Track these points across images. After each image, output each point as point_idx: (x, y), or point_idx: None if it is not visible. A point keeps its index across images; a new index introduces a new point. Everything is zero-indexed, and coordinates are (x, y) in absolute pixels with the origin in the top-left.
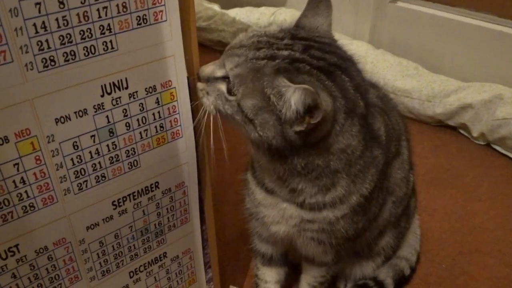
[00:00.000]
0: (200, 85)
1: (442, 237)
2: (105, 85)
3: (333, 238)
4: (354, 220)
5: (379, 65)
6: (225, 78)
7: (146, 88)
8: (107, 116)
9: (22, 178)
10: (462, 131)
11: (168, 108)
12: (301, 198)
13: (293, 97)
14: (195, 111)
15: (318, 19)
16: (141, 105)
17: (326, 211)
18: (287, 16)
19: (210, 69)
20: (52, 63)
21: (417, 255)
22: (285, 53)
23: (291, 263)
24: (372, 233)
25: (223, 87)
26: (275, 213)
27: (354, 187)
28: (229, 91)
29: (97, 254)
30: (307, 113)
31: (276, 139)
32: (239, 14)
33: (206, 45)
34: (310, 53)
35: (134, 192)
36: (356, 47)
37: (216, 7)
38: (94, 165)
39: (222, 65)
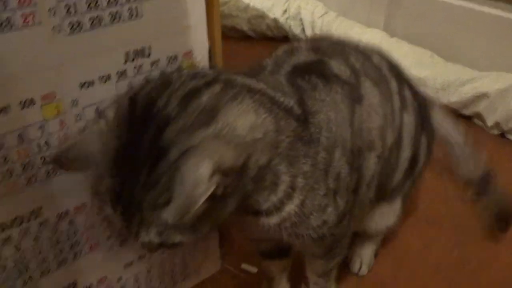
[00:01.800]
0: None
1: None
2: (128, 51)
3: (310, 229)
4: (318, 203)
5: (394, 53)
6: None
7: (167, 57)
8: (129, 83)
9: (46, 141)
10: (476, 121)
11: None
12: (260, 208)
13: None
14: None
15: None
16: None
17: (288, 206)
18: (302, 3)
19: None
20: (79, 28)
21: None
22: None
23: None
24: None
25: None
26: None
27: (292, 168)
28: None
29: None
30: None
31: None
32: (253, 0)
33: None
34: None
35: None
36: (371, 36)
37: None
38: None
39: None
